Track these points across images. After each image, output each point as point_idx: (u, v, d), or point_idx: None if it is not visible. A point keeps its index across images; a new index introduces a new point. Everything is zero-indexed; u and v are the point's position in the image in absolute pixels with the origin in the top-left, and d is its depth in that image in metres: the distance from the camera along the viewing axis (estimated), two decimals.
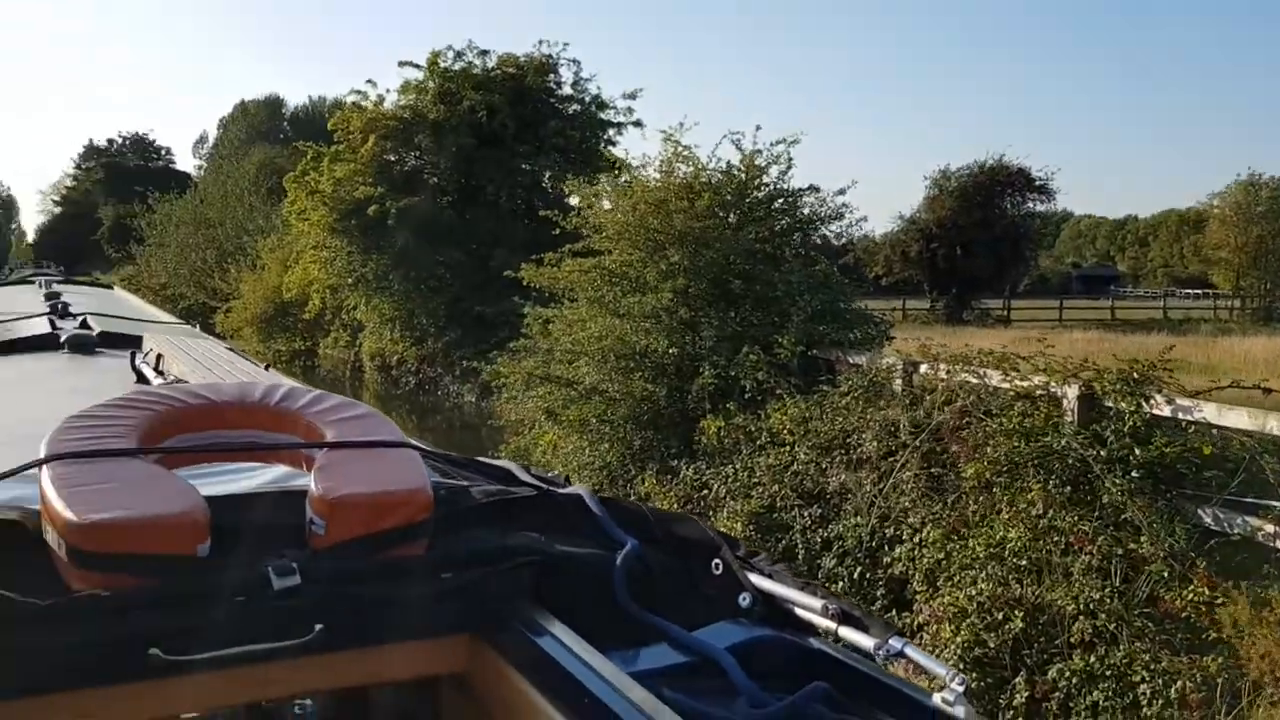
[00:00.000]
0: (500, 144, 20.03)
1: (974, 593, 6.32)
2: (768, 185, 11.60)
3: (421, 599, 1.43)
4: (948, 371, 7.90)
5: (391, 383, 21.21)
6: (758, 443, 8.82)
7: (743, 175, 11.42)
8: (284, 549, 1.40)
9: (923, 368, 8.29)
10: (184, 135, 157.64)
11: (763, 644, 1.54)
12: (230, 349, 5.42)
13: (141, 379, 3.71)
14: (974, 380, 7.59)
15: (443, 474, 1.83)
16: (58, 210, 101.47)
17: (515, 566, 1.51)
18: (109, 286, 16.45)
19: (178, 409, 1.67)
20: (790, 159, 11.40)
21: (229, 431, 1.68)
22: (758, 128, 11.36)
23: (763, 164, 11.42)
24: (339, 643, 1.36)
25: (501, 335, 18.92)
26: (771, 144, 11.41)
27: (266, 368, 4.60)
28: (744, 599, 1.65)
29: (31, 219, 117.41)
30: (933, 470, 7.34)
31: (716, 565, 1.68)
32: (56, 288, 10.23)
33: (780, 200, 11.54)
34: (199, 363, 3.67)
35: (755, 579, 1.68)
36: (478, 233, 19.94)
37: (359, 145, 20.61)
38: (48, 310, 6.92)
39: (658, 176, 11.74)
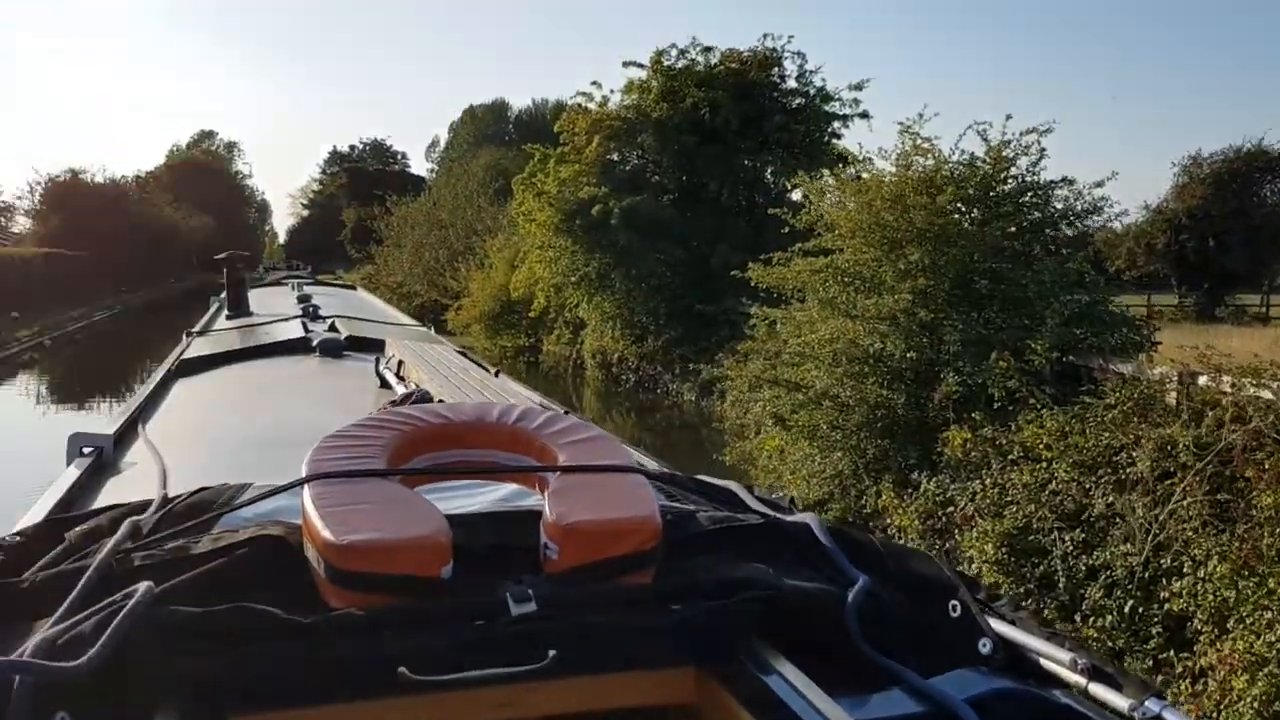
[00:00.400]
0: (723, 140, 19.82)
1: (1274, 638, 5.55)
2: (1014, 178, 10.83)
3: (650, 629, 1.43)
4: (1233, 385, 7.03)
5: (612, 380, 21.39)
6: (1009, 457, 8.15)
7: (988, 168, 10.70)
8: (519, 573, 1.46)
9: (1202, 379, 7.44)
10: (417, 140, 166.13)
11: (1004, 696, 1.45)
12: (462, 353, 5.76)
13: (385, 384, 4.06)
14: (1269, 395, 6.72)
15: (669, 496, 1.87)
16: (305, 213, 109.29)
17: (744, 600, 1.47)
18: (352, 287, 17.41)
19: (421, 429, 1.76)
20: (1042, 150, 10.59)
21: (468, 451, 1.76)
22: (1008, 117, 10.62)
23: (1010, 155, 10.67)
24: (570, 669, 1.37)
25: (721, 334, 18.73)
26: (1021, 133, 10.65)
27: (496, 373, 4.79)
28: (984, 645, 1.54)
29: (282, 221, 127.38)
30: (1219, 496, 6.54)
31: (954, 607, 1.58)
32: (306, 290, 10.88)
33: (1030, 194, 10.72)
34: (435, 369, 3.96)
35: (996, 624, 1.57)
36: (699, 230, 19.79)
37: (584, 146, 20.86)
38: (300, 313, 7.48)
39: (893, 170, 11.17)
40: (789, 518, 1.79)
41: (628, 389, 20.71)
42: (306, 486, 1.50)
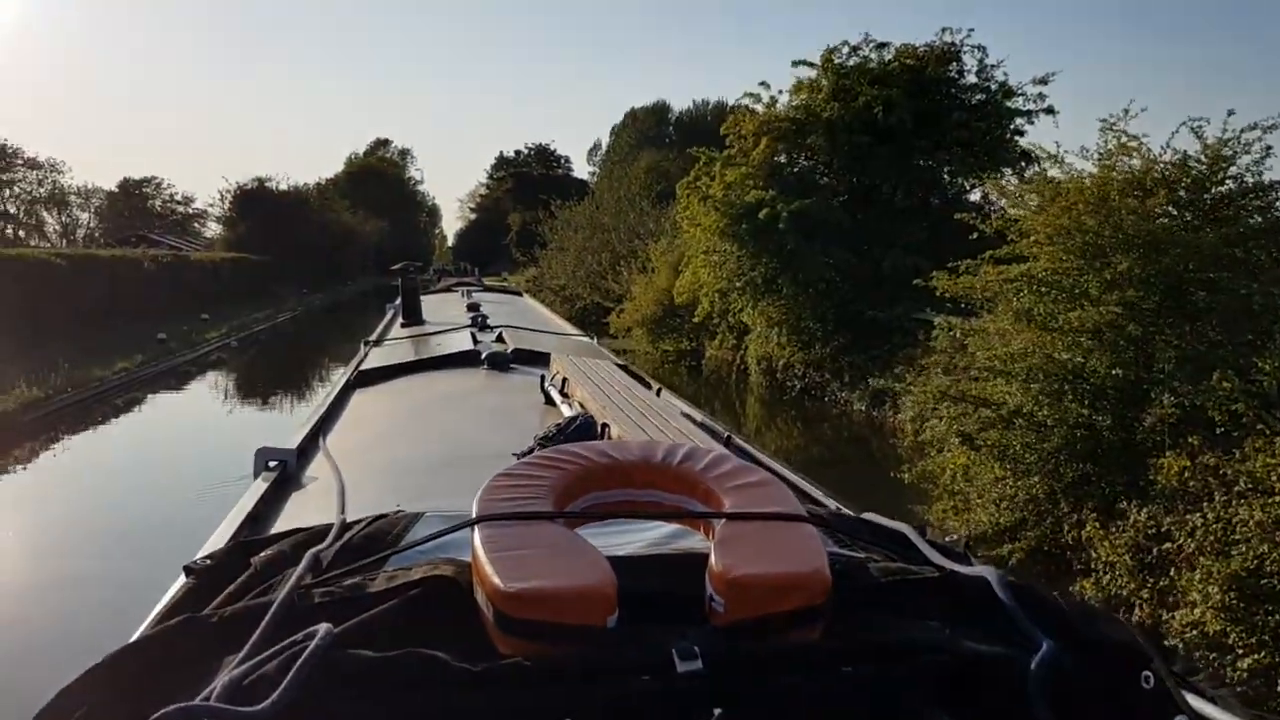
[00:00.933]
0: (897, 140, 19.01)
1: None
2: (1233, 178, 9.85)
3: (819, 691, 1.34)
4: None
5: (777, 387, 20.83)
6: (1235, 489, 7.31)
7: (1203, 168, 9.75)
8: (682, 622, 1.41)
9: None
10: (580, 144, 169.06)
11: None
12: (624, 367, 5.77)
13: (549, 401, 4.19)
14: None
15: (837, 540, 1.82)
16: (473, 217, 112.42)
17: (919, 664, 1.38)
18: (518, 292, 17.61)
19: (588, 468, 1.75)
20: (1267, 148, 9.58)
21: (633, 491, 1.75)
22: (1230, 113, 9.64)
23: (1229, 154, 9.70)
24: None
25: (894, 342, 17.97)
26: (1241, 130, 9.66)
27: (658, 391, 4.80)
28: None
29: (451, 224, 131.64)
30: None
31: (1147, 679, 1.42)
32: (476, 297, 11.10)
33: (1253, 196, 9.71)
34: (598, 388, 3.95)
35: (1195, 701, 1.42)
36: (870, 234, 19.07)
37: (750, 149, 20.42)
38: (470, 322, 7.75)
39: (1093, 170, 10.33)
40: (966, 569, 1.67)
41: (793, 396, 20.14)
42: (476, 528, 1.52)
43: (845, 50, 20.06)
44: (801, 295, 19.28)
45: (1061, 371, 9.17)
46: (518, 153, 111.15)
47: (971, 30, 19.70)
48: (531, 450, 2.68)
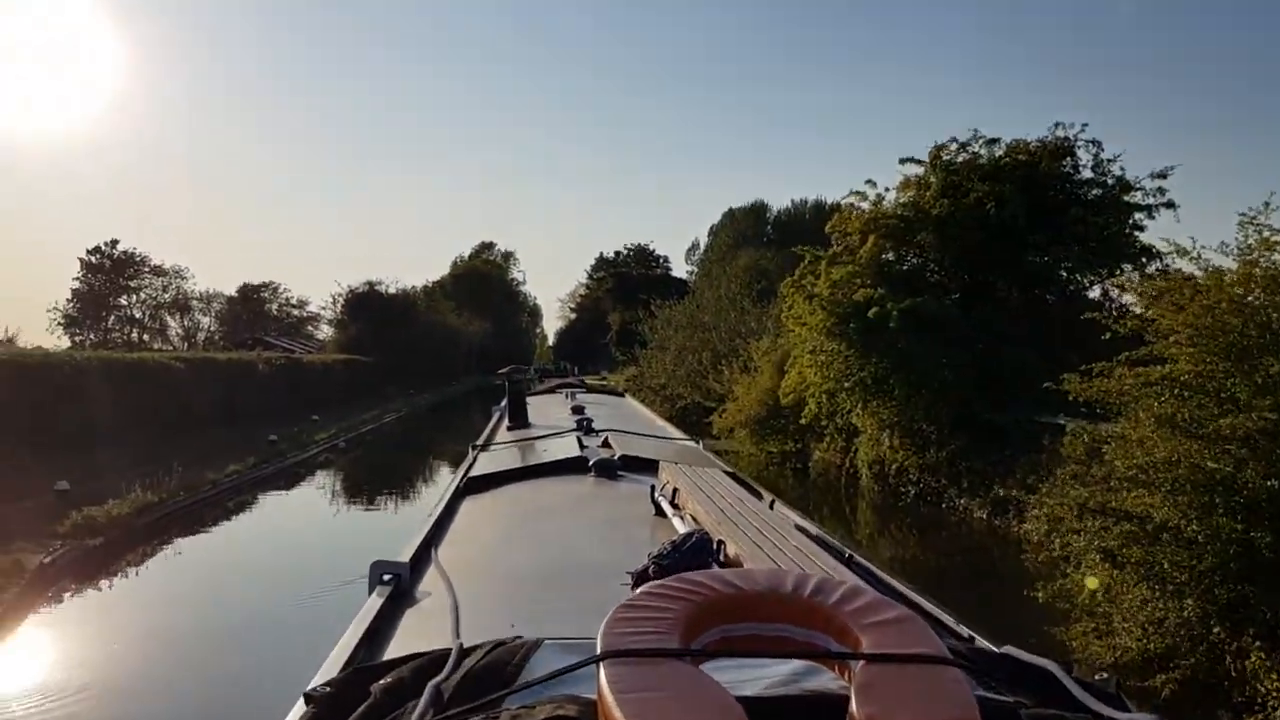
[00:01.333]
0: (1011, 236, 18.50)
1: None
2: None
3: None
4: None
5: (889, 493, 20.08)
6: None
7: None
8: None
9: None
10: (678, 243, 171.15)
11: None
12: (733, 476, 5.56)
13: (659, 512, 4.08)
14: None
15: (981, 682, 1.73)
16: (573, 316, 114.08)
17: None
18: (620, 393, 17.50)
19: (712, 599, 1.68)
20: None
21: (760, 625, 1.67)
22: None
23: None
24: None
25: (1015, 446, 17.18)
26: None
27: (771, 504, 4.64)
28: None
29: (551, 324, 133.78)
30: None
31: None
32: (579, 399, 11.25)
33: None
34: (710, 499, 3.86)
35: None
36: (984, 332, 18.44)
37: (857, 246, 20.12)
38: (575, 425, 7.71)
39: (1233, 266, 9.73)
40: (1123, 716, 1.60)
41: (907, 502, 19.35)
42: (602, 665, 1.47)
43: (954, 147, 19.76)
44: (914, 396, 18.67)
45: (1211, 483, 8.47)
46: (617, 253, 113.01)
47: (1085, 125, 19.25)
48: (646, 570, 2.67)
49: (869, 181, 20.46)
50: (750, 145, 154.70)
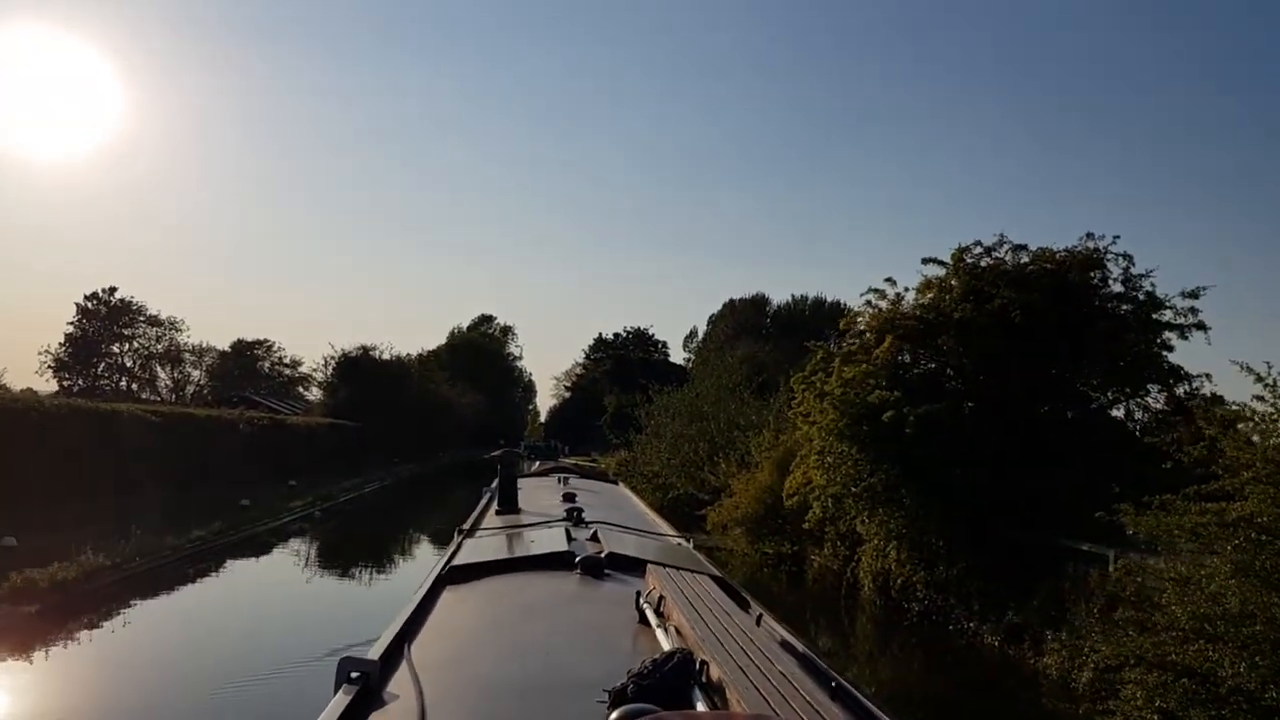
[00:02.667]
0: (1035, 347, 17.57)
1: None
2: None
3: None
4: None
5: (893, 608, 18.79)
6: None
7: None
8: None
9: None
10: (676, 329, 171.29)
11: None
12: (722, 583, 5.46)
13: (644, 619, 3.93)
14: None
15: None
16: (567, 395, 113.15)
17: None
18: (614, 480, 16.75)
19: None
20: None
21: None
22: None
23: None
24: None
25: (1031, 570, 16.02)
26: None
27: (758, 619, 4.52)
28: None
29: (545, 400, 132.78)
30: None
31: None
32: (573, 485, 11.21)
33: None
34: (697, 614, 3.77)
35: None
36: (1003, 446, 17.39)
37: (872, 345, 19.21)
38: (565, 515, 7.68)
39: None
40: None
41: (911, 620, 18.07)
42: None
43: (978, 250, 18.97)
44: (926, 508, 17.57)
45: None
46: (616, 335, 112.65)
47: (1117, 237, 18.46)
48: (625, 689, 2.59)
49: (888, 279, 19.64)
50: (754, 237, 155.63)
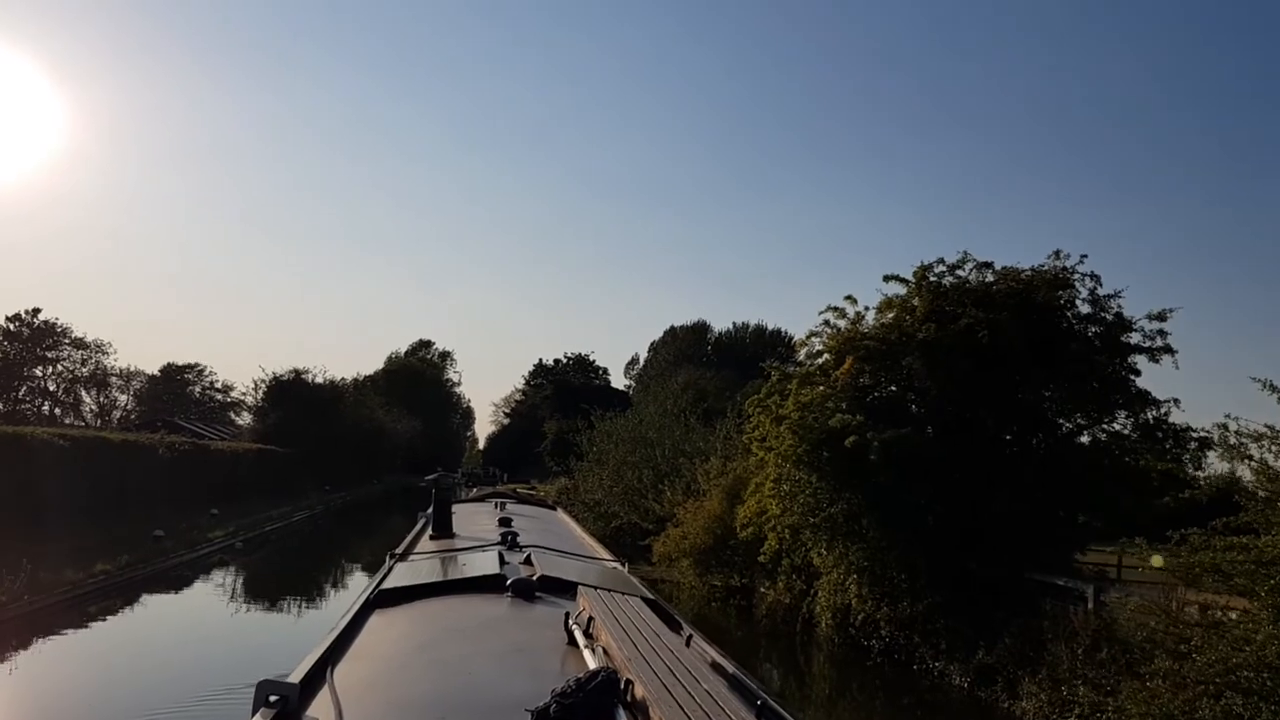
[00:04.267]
0: (1003, 368, 16.70)
1: None
2: None
3: None
4: None
5: (852, 646, 17.69)
6: None
7: None
8: None
9: None
10: (618, 356, 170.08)
11: None
12: (654, 604, 5.41)
13: (572, 641, 3.90)
14: None
15: None
16: (506, 421, 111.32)
17: None
18: (552, 506, 15.67)
19: None
20: None
21: None
22: None
23: None
24: None
25: (1003, 606, 15.08)
26: None
27: (688, 640, 4.50)
28: None
29: (484, 427, 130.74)
30: None
31: None
32: (510, 510, 10.99)
33: None
34: (625, 634, 3.73)
35: None
36: (969, 473, 16.47)
37: (831, 367, 18.24)
38: (499, 539, 7.46)
39: None
40: None
41: (873, 660, 17.01)
42: None
43: (941, 268, 18.11)
44: (888, 539, 16.57)
45: None
46: (556, 361, 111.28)
47: (1084, 256, 17.69)
48: (548, 709, 2.62)
49: (848, 298, 18.66)
50: (695, 264, 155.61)
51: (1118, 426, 17.75)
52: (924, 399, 17.52)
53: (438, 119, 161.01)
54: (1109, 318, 17.48)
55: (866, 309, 18.69)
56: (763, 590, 22.67)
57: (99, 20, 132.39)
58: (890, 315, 18.18)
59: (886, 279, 18.28)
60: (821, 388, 18.05)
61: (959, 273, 18.07)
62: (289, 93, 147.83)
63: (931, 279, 17.98)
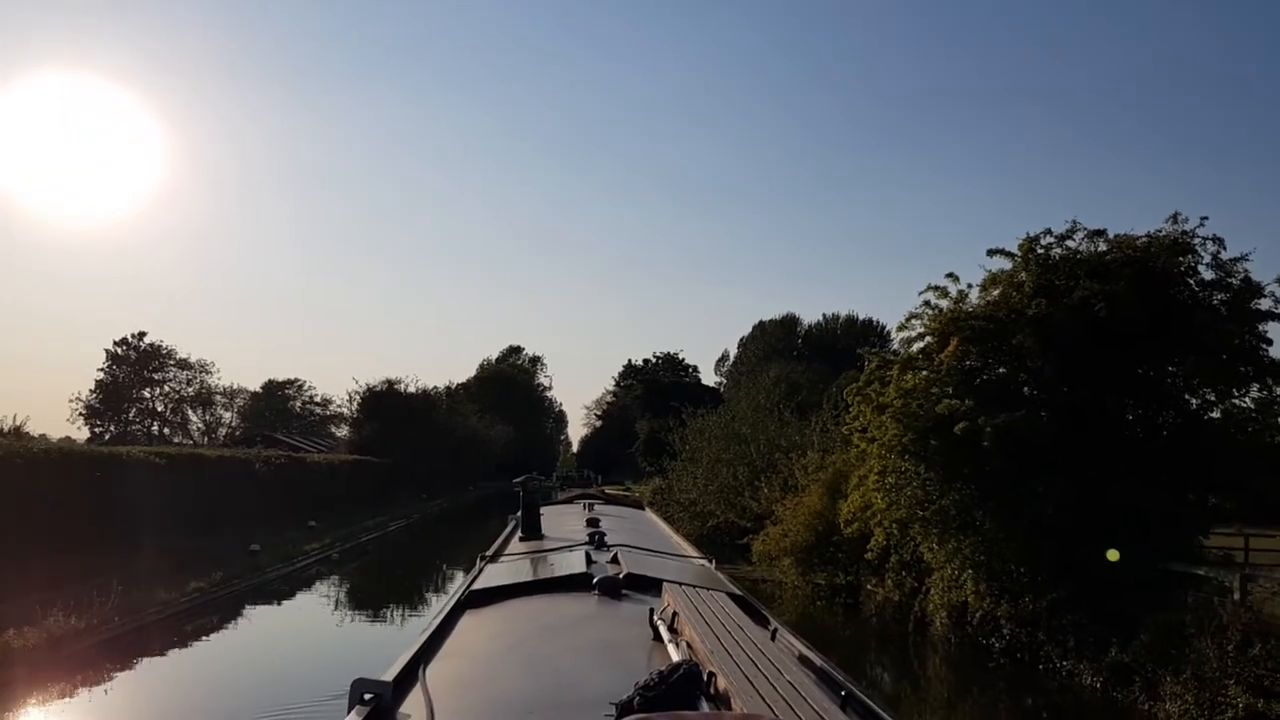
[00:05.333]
0: (1123, 344, 15.48)
1: None
2: None
3: None
4: None
5: (969, 645, 16.63)
6: None
7: None
8: None
9: None
10: (707, 353, 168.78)
11: None
12: (740, 600, 5.43)
13: (657, 636, 3.93)
14: None
15: None
16: (598, 424, 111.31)
17: None
18: (641, 505, 15.24)
19: None
20: None
21: None
22: None
23: None
24: None
25: (1135, 601, 13.93)
26: None
27: (773, 633, 4.48)
28: None
29: (576, 430, 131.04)
30: None
31: None
32: (598, 510, 11.12)
33: None
34: (709, 627, 3.77)
35: None
36: (1091, 458, 15.31)
37: (935, 350, 17.20)
38: (587, 539, 7.52)
39: None
40: None
41: (995, 661, 15.94)
42: None
43: (1048, 240, 16.94)
44: (1005, 531, 15.49)
45: None
46: (646, 361, 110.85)
47: (1205, 218, 16.31)
48: (631, 701, 2.66)
49: (950, 275, 17.58)
50: (780, 259, 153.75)
51: (1248, 402, 16.43)
52: (1037, 379, 16.39)
53: (531, 137, 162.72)
54: (1235, 283, 16.11)
55: (970, 286, 17.61)
56: (870, 588, 21.65)
57: (194, 54, 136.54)
58: (996, 292, 17.06)
59: (990, 253, 17.22)
60: (925, 372, 17.06)
61: (1068, 243, 16.90)
62: (384, 112, 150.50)
63: (1039, 251, 16.83)
